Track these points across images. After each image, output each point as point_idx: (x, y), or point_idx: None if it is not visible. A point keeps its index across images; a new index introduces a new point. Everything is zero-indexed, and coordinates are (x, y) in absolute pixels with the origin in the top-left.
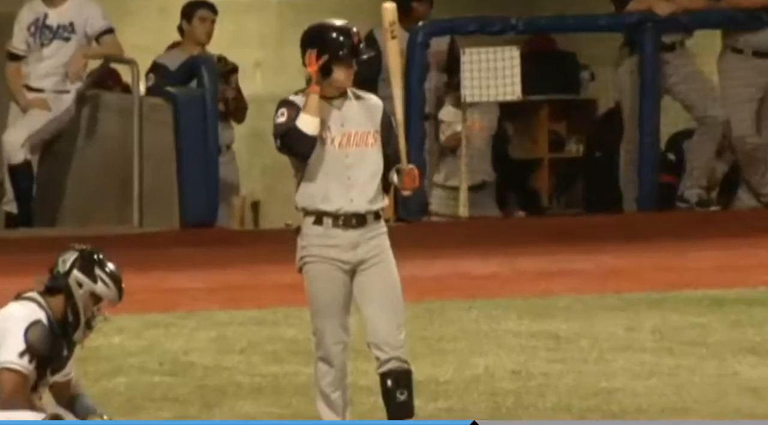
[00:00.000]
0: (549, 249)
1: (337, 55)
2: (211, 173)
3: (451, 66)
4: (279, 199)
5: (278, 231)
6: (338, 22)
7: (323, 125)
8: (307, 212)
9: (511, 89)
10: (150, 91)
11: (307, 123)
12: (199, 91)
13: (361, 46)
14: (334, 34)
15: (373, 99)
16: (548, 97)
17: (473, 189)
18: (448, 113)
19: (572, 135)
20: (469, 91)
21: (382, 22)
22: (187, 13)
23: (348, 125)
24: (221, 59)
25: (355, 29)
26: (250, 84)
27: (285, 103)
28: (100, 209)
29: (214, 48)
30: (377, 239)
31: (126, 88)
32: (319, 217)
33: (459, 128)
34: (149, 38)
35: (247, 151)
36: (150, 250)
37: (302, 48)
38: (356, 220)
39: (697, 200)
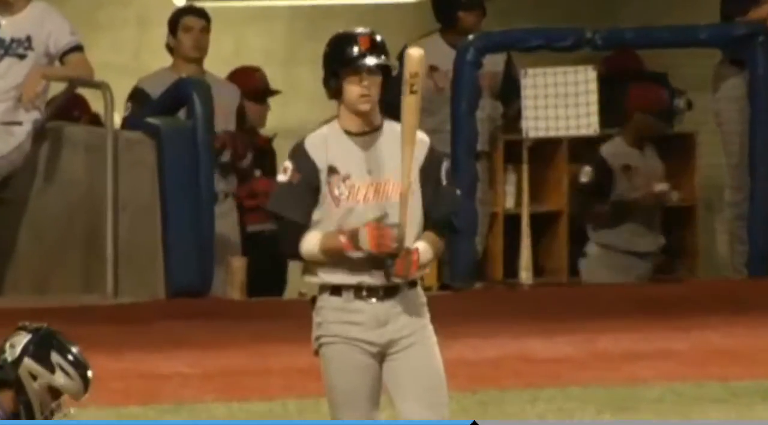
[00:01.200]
0: (634, 324)
1: (341, 67)
2: (205, 228)
3: (509, 91)
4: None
5: (289, 302)
6: (350, 31)
7: (342, 172)
8: (323, 285)
9: (586, 121)
10: (127, 123)
11: (309, 248)
12: (189, 124)
13: (381, 57)
14: (336, 45)
15: (417, 135)
16: None
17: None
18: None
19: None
20: (533, 123)
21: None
22: (172, 24)
23: (377, 172)
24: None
25: (364, 32)
26: None
27: (295, 152)
28: (63, 273)
29: (209, 68)
30: (413, 314)
31: (96, 120)
32: (336, 286)
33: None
34: (125, 56)
35: None
36: (127, 326)
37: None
38: (384, 290)
39: None
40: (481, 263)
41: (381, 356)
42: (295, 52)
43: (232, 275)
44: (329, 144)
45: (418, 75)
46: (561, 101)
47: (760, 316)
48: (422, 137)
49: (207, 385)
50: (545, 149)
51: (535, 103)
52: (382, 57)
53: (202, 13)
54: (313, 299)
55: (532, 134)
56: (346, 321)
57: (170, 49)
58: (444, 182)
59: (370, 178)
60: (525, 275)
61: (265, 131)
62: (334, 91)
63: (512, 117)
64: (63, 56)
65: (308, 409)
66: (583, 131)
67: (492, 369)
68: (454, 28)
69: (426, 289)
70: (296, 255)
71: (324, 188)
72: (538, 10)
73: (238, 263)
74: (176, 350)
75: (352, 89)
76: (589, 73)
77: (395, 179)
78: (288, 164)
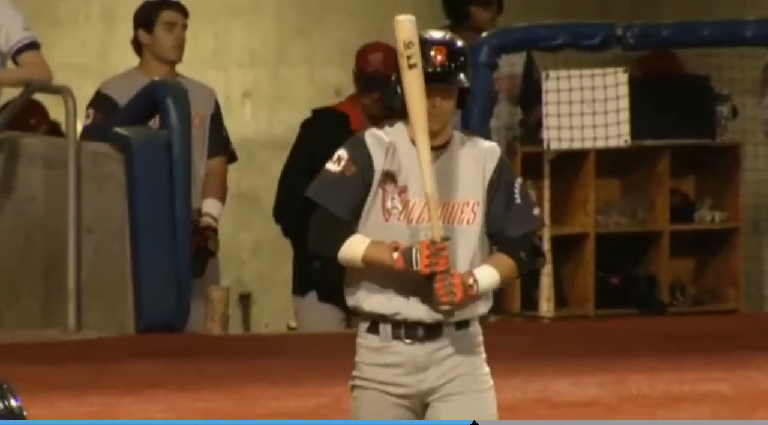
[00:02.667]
0: (672, 363)
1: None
2: (181, 254)
3: (529, 96)
4: (277, 289)
5: (277, 338)
6: (423, 35)
7: (399, 182)
8: (359, 313)
9: (616, 131)
10: (88, 133)
11: (349, 252)
12: (163, 135)
13: (459, 74)
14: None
15: (485, 146)
16: (670, 143)
17: None
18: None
19: (705, 198)
20: (555, 133)
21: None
22: (146, 18)
23: (441, 192)
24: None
25: (439, 39)
26: (236, 122)
27: (353, 142)
28: (19, 305)
29: (183, 71)
30: (462, 357)
31: (56, 129)
32: (375, 322)
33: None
34: (88, 55)
35: (233, 221)
36: (92, 365)
37: None
38: (425, 329)
39: None
40: (497, 294)
41: (421, 404)
42: (285, 52)
43: (211, 308)
44: (394, 149)
45: (413, 44)
46: (588, 108)
47: None
48: (492, 147)
49: None
50: (569, 162)
51: (558, 111)
52: (461, 77)
53: (182, 8)
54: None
55: (554, 146)
56: (381, 363)
57: (138, 46)
58: (518, 201)
59: (441, 200)
60: (546, 306)
61: (250, 142)
62: (398, 106)
63: (532, 126)
64: (15, 55)
65: None
66: (613, 143)
67: (509, 413)
68: (466, 26)
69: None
70: (330, 256)
71: (376, 194)
72: (567, 4)
73: (219, 294)
74: (148, 392)
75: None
76: (619, 76)
77: (459, 200)
78: (343, 153)
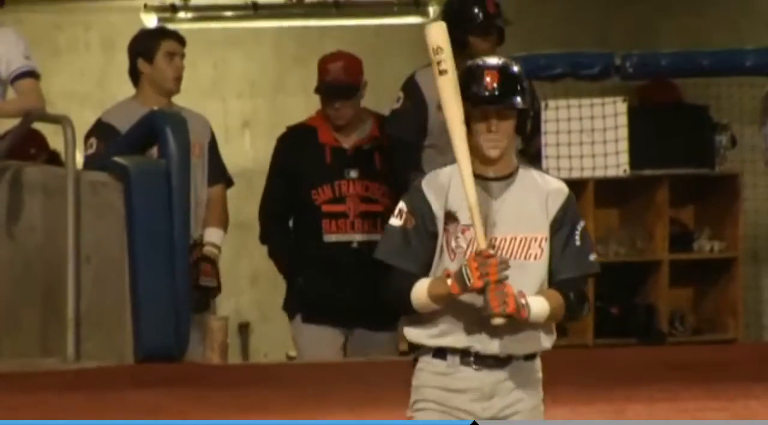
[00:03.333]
0: (671, 393)
1: (465, 97)
2: (180, 283)
3: (532, 126)
4: (276, 318)
5: (278, 367)
6: (477, 61)
7: (462, 221)
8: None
9: (615, 161)
10: (90, 162)
11: (418, 297)
12: (162, 164)
13: (514, 97)
14: (464, 75)
15: (553, 183)
16: (669, 172)
17: None
18: None
19: (704, 227)
20: (554, 162)
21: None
22: (146, 47)
23: (502, 225)
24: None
25: (494, 64)
26: (235, 151)
27: (411, 192)
28: (17, 334)
29: (182, 101)
30: (526, 389)
31: (55, 158)
32: (441, 349)
33: None
34: (88, 84)
35: (231, 249)
36: (90, 394)
37: None
38: (495, 359)
39: None
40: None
41: None
42: (284, 80)
43: (211, 337)
44: (451, 187)
45: (442, 50)
46: (587, 138)
47: None
48: (560, 185)
49: None
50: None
51: (557, 140)
52: (517, 99)
53: (180, 38)
54: (415, 360)
55: (554, 175)
56: (448, 387)
57: (135, 76)
58: (577, 243)
59: (495, 230)
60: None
61: (249, 171)
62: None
63: (533, 156)
64: (13, 82)
65: None
66: (612, 172)
67: None
68: (463, 54)
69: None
70: (407, 308)
71: (441, 237)
72: (566, 34)
73: (218, 324)
74: (147, 422)
75: (477, 131)
76: (618, 105)
77: (523, 235)
78: (402, 206)
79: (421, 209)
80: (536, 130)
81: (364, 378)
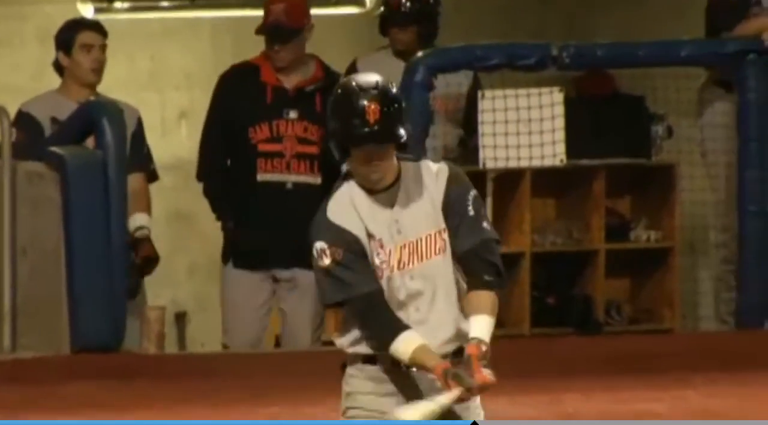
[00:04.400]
0: (608, 383)
1: (346, 141)
2: (116, 274)
3: (473, 117)
4: (213, 308)
5: (212, 356)
6: (355, 92)
7: (376, 236)
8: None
9: (552, 151)
10: (20, 152)
11: (400, 350)
12: (99, 155)
13: (392, 132)
14: (340, 111)
15: (432, 170)
16: (606, 162)
17: None
18: None
19: (640, 217)
20: (491, 152)
21: None
22: (64, 40)
23: (407, 229)
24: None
25: (372, 95)
26: (171, 143)
27: (322, 229)
28: None
29: (120, 93)
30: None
31: None
32: (370, 356)
33: None
34: (23, 76)
35: (168, 241)
36: (27, 386)
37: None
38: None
39: None
40: None
41: None
42: (220, 71)
43: (147, 327)
44: (356, 206)
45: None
46: (523, 128)
47: (749, 374)
48: (440, 168)
49: None
50: (505, 182)
51: (494, 130)
52: (400, 132)
53: (99, 28)
54: (343, 366)
55: (490, 165)
56: (380, 392)
57: (59, 68)
58: (470, 213)
59: (401, 238)
60: None
61: (186, 162)
62: (341, 158)
63: (472, 146)
64: None
65: None
66: (549, 162)
67: None
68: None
69: None
70: (386, 344)
71: (370, 256)
72: (504, 24)
73: (155, 313)
74: (84, 412)
75: (358, 164)
76: (555, 95)
77: (426, 233)
78: (320, 246)
79: (341, 239)
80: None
81: (300, 368)
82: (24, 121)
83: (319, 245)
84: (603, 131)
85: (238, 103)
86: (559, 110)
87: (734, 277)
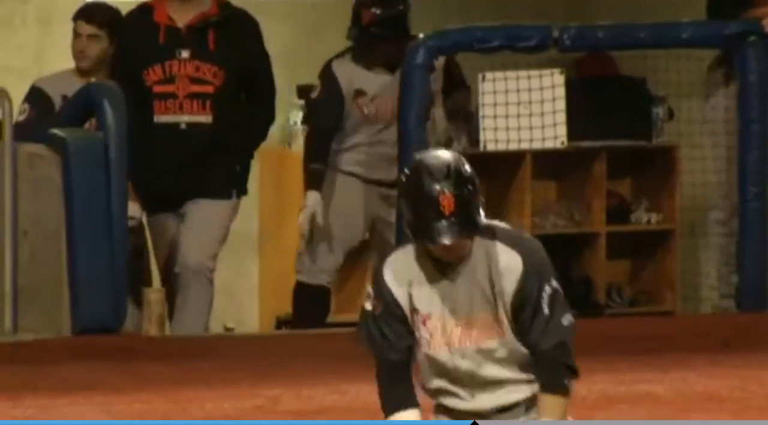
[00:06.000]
0: (608, 365)
1: (420, 227)
2: (117, 257)
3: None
4: (215, 291)
5: (214, 339)
6: (426, 163)
7: (422, 311)
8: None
9: (553, 133)
10: (24, 128)
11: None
12: (100, 137)
13: (465, 225)
14: (413, 200)
15: (504, 259)
16: (607, 144)
17: None
18: None
19: (641, 199)
20: (491, 135)
21: None
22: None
23: (459, 310)
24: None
25: (446, 184)
26: None
27: (375, 278)
28: None
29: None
30: None
31: None
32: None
33: None
34: (25, 58)
35: None
36: (28, 367)
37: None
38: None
39: None
40: None
41: None
42: None
43: (148, 309)
44: (411, 274)
45: None
46: (524, 110)
47: (750, 356)
48: (512, 261)
49: None
50: (505, 164)
51: (495, 112)
52: (475, 220)
53: (94, 18)
54: None
55: (491, 147)
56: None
57: None
58: (545, 312)
59: (454, 317)
60: None
61: None
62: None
63: (470, 129)
64: None
65: None
66: (549, 144)
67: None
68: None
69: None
70: (384, 411)
71: (413, 325)
72: (503, 6)
73: (155, 296)
74: (84, 394)
75: (434, 248)
76: (555, 77)
77: (483, 317)
78: (370, 291)
79: (385, 297)
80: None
81: (302, 351)
82: (36, 96)
83: (369, 289)
84: (604, 113)
85: (134, 46)
86: (560, 91)
87: (735, 259)
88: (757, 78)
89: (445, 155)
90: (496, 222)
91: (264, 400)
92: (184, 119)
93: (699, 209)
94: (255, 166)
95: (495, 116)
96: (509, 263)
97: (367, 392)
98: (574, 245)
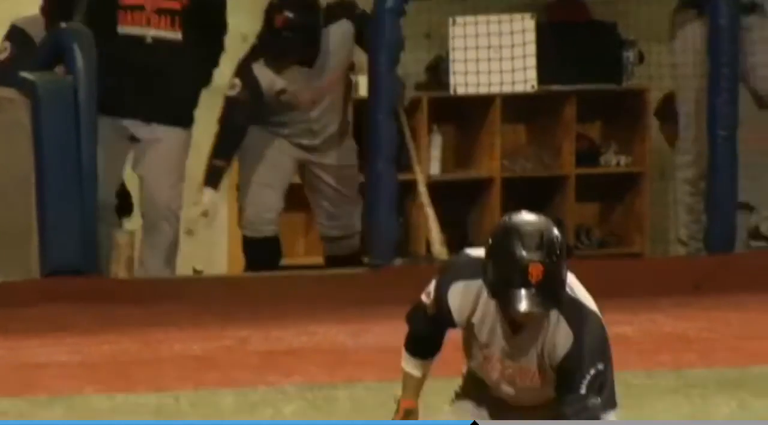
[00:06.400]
0: None
1: (503, 289)
2: (87, 200)
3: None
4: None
5: (183, 281)
6: (518, 228)
7: (481, 339)
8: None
9: (523, 76)
10: (6, 66)
11: (404, 362)
12: (70, 81)
13: (550, 297)
14: (499, 265)
15: (561, 338)
16: (577, 88)
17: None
18: None
19: (611, 142)
20: (462, 79)
21: None
22: None
23: (515, 357)
24: None
25: (535, 255)
26: None
27: (437, 291)
28: None
29: None
30: None
31: None
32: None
33: None
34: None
35: None
36: None
37: None
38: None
39: None
40: (404, 238)
41: None
42: None
43: (117, 251)
44: (476, 308)
45: None
46: (494, 54)
47: (718, 298)
48: (565, 343)
49: (88, 375)
50: (476, 107)
51: (465, 56)
52: (559, 295)
53: None
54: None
55: (461, 91)
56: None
57: None
58: (582, 391)
59: (509, 361)
60: (438, 249)
61: None
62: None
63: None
64: None
65: (202, 402)
66: (520, 88)
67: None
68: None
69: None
70: (404, 348)
71: (466, 337)
72: None
73: (124, 238)
74: (54, 335)
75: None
76: (526, 22)
77: (533, 370)
78: (431, 290)
79: (442, 309)
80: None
81: (270, 293)
82: (17, 35)
83: (431, 288)
84: (574, 57)
85: None
86: (531, 36)
87: (701, 201)
88: (727, 22)
89: (538, 221)
90: (573, 291)
91: (233, 341)
92: (151, 32)
93: (668, 152)
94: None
95: (465, 60)
96: (562, 338)
97: (335, 333)
98: (543, 188)
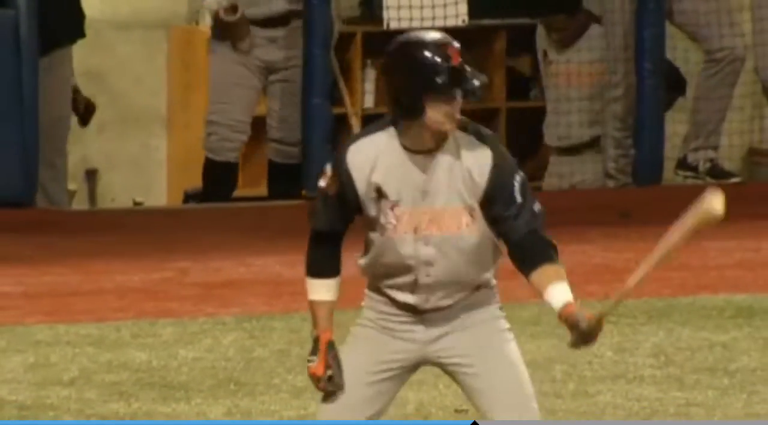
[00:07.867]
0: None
1: (428, 91)
2: (29, 132)
3: None
4: (124, 166)
5: (123, 212)
6: (429, 36)
7: (391, 197)
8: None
9: (455, 11)
10: None
11: (309, 286)
12: (11, 15)
13: (466, 68)
14: (418, 62)
15: (476, 150)
16: (506, 22)
17: None
18: None
19: (540, 76)
20: (395, 13)
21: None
22: None
23: (433, 197)
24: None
25: (453, 44)
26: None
27: (337, 159)
28: None
29: None
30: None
31: None
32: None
33: None
34: None
35: None
36: None
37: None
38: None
39: (709, 168)
40: None
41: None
42: None
43: (59, 184)
44: (379, 161)
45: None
46: None
47: (645, 228)
48: (483, 156)
49: (30, 306)
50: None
51: None
52: (481, 77)
53: None
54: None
55: (394, 25)
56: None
57: None
58: (518, 200)
59: (424, 204)
60: None
61: (96, 21)
62: (410, 113)
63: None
64: None
65: (143, 333)
66: (451, 22)
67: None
68: None
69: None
70: (307, 274)
71: (371, 211)
72: None
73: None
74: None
75: (438, 112)
76: None
77: (453, 206)
78: (328, 169)
79: (342, 179)
80: None
81: (209, 225)
82: None
83: (328, 167)
84: None
85: None
86: None
87: (630, 136)
88: None
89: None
90: None
91: (173, 273)
92: None
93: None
94: (162, 42)
95: None
96: (480, 158)
97: (272, 264)
98: (475, 120)
